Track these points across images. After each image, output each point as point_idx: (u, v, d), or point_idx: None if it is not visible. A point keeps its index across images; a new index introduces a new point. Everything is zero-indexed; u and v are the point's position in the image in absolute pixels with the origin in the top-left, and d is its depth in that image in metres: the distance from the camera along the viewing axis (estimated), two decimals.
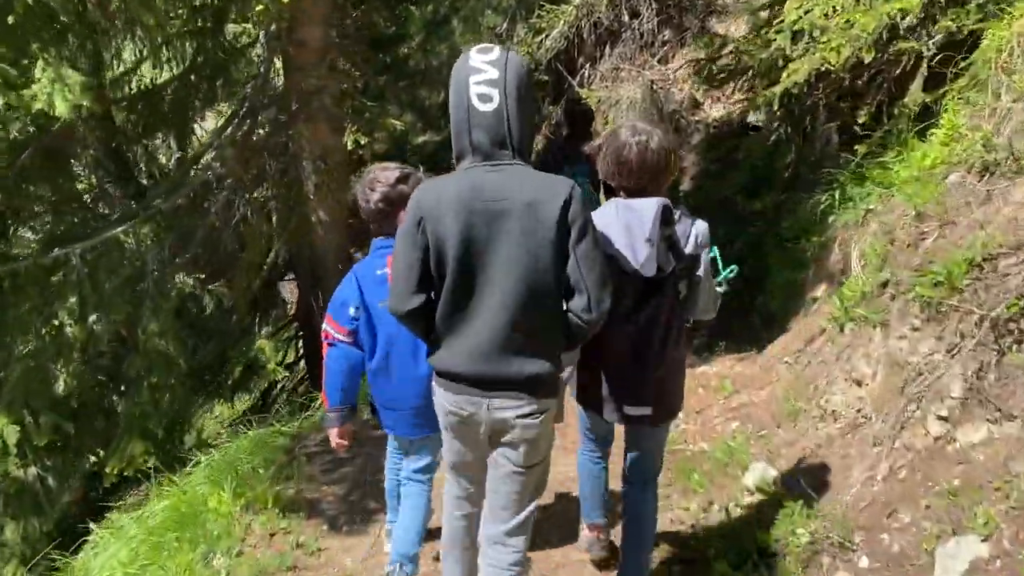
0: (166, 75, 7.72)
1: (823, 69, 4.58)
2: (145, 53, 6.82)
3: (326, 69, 6.51)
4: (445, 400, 2.43)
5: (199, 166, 5.99)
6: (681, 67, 13.08)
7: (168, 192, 5.53)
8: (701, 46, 12.72)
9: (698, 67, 12.44)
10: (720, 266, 2.94)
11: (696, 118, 12.88)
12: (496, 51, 2.24)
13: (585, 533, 3.33)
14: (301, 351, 8.00)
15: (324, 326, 3.07)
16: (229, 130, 6.09)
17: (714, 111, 12.76)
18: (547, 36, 14.13)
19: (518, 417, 2.33)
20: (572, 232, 2.23)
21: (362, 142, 13.44)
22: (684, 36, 13.43)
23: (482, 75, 2.18)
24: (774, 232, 7.04)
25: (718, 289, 2.79)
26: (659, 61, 13.57)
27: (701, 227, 2.63)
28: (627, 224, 2.50)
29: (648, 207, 2.48)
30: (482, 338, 2.28)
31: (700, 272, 2.62)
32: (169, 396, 5.14)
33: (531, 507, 2.52)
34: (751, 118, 11.80)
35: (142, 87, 7.73)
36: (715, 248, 2.81)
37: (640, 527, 2.89)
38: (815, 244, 5.10)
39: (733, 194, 9.67)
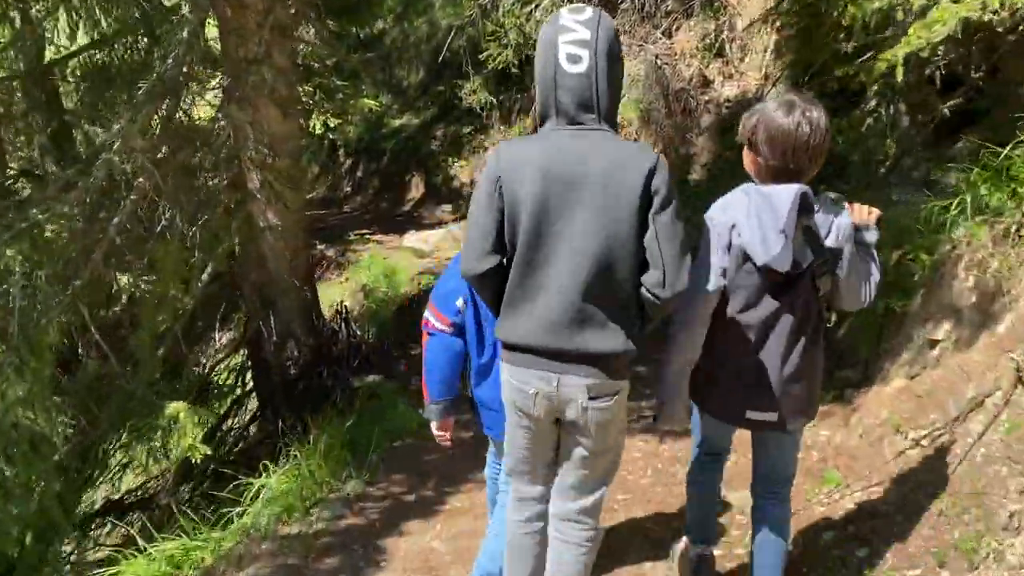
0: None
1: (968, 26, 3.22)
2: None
3: (271, 33, 5.06)
4: (512, 376, 2.26)
5: (102, 161, 4.51)
6: (689, 40, 11.71)
7: (52, 198, 4.08)
8: (710, 15, 11.36)
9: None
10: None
11: (706, 97, 11.48)
12: (588, 11, 2.08)
13: (685, 550, 2.90)
14: (249, 385, 6.62)
15: (425, 315, 2.74)
16: (144, 114, 4.62)
17: (726, 89, 11.37)
18: (537, 7, 12.67)
19: (590, 398, 2.18)
20: (654, 202, 2.08)
21: (331, 124, 12.05)
22: (691, 5, 12.04)
23: (573, 34, 2.03)
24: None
25: (874, 279, 2.43)
26: (663, 33, 12.21)
27: (846, 218, 2.32)
28: (759, 212, 2.25)
29: (785, 195, 2.21)
30: (553, 308, 2.14)
31: (843, 268, 2.31)
32: (39, 492, 3.70)
33: (603, 489, 2.43)
34: (770, 97, 10.43)
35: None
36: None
37: (770, 548, 2.56)
38: (925, 264, 3.79)
39: None
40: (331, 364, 5.88)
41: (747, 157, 2.40)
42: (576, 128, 2.12)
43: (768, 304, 2.32)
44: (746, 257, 2.30)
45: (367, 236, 13.06)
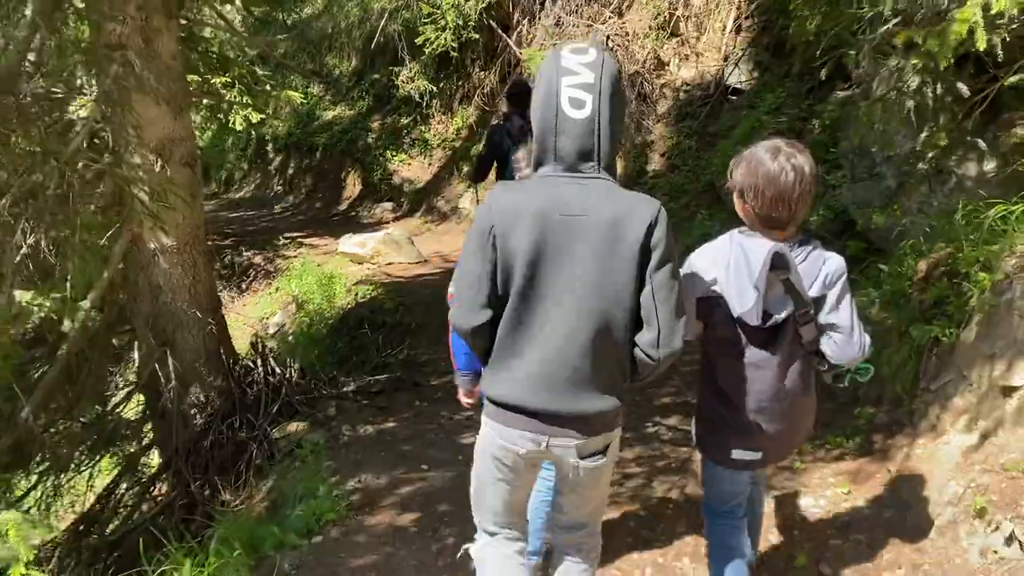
0: None
1: None
2: None
3: (139, 12, 4.02)
4: (497, 433, 2.12)
5: None
6: (641, 19, 10.85)
7: None
8: None
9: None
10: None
11: (662, 81, 10.65)
12: (592, 52, 1.97)
13: None
14: (151, 436, 5.53)
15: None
16: None
17: (683, 71, 10.55)
18: None
19: (581, 457, 2.09)
20: (652, 258, 1.96)
21: (253, 119, 10.92)
22: None
23: (576, 78, 1.93)
24: (862, 247, 4.93)
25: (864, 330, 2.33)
26: (614, 12, 11.33)
27: (833, 264, 2.25)
28: (737, 266, 2.24)
29: (760, 252, 2.20)
30: (546, 367, 2.01)
31: (827, 314, 2.26)
32: None
33: (599, 519, 2.39)
34: (732, 79, 9.66)
35: None
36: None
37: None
38: (982, 283, 2.97)
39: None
40: (245, 411, 4.88)
41: (736, 203, 2.34)
42: (574, 176, 2.01)
43: (751, 352, 2.34)
44: (727, 307, 2.31)
45: (299, 240, 11.98)
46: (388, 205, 13.47)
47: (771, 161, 2.19)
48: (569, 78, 1.94)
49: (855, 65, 7.52)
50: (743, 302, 2.25)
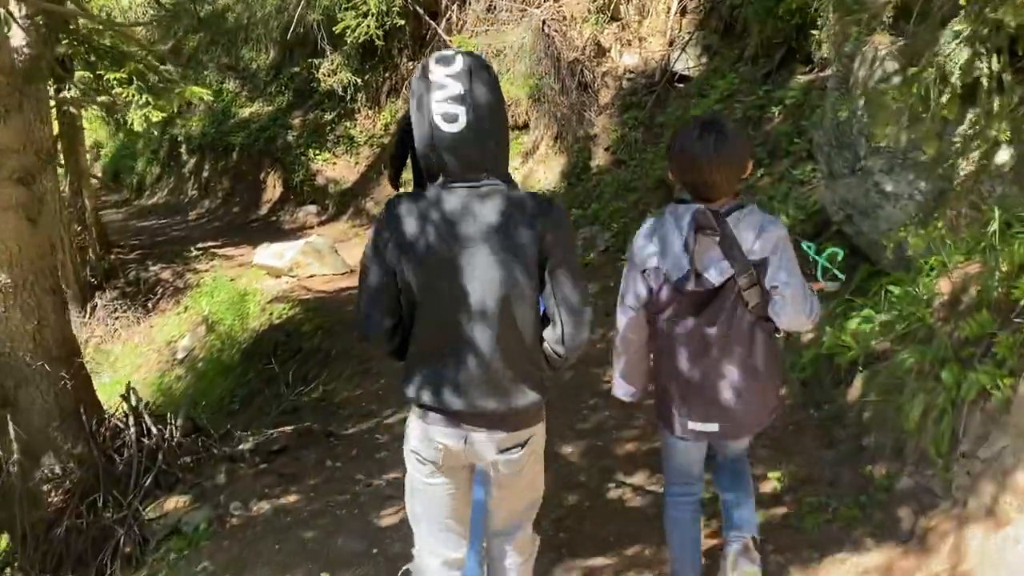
0: None
1: None
2: None
3: None
4: (420, 431, 2.12)
5: None
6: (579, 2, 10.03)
7: None
8: None
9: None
10: (818, 263, 2.57)
11: (603, 69, 9.86)
12: (459, 61, 1.90)
13: None
14: None
15: None
16: None
17: (626, 58, 9.78)
18: None
19: (499, 452, 2.10)
20: (549, 256, 1.98)
21: (154, 118, 9.79)
22: None
23: (444, 91, 1.88)
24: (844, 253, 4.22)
25: (815, 292, 2.34)
26: None
27: (772, 228, 2.26)
28: (670, 234, 2.30)
29: (685, 215, 2.26)
30: (458, 369, 2.02)
31: (772, 278, 2.22)
32: None
33: (530, 522, 2.40)
34: (679, 65, 8.92)
35: None
36: (810, 245, 2.63)
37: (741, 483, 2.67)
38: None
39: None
40: (112, 484, 3.92)
41: (670, 173, 2.43)
42: (463, 184, 1.97)
43: (693, 320, 2.36)
44: (666, 276, 2.33)
45: (213, 250, 10.90)
46: (312, 208, 12.46)
47: (691, 132, 2.28)
48: (438, 92, 1.89)
49: (817, 46, 6.85)
50: (678, 267, 2.27)
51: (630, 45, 9.77)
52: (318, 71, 12.12)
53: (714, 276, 2.25)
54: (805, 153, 6.11)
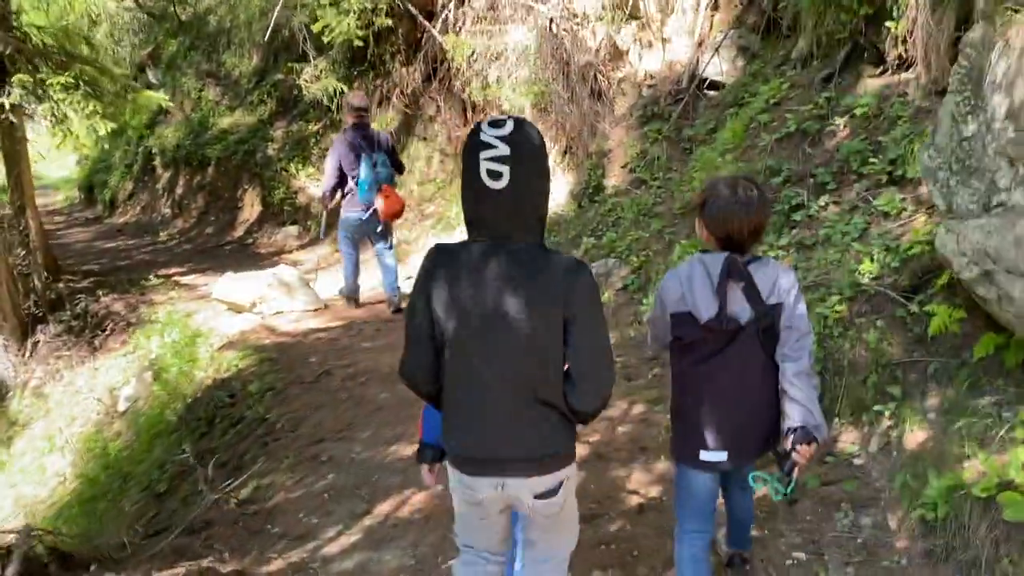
0: None
1: None
2: None
3: None
4: (459, 480, 2.27)
5: None
6: None
7: None
8: None
9: None
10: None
11: (620, 74, 8.55)
12: (509, 125, 2.12)
13: None
14: None
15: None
16: None
17: (646, 62, 8.46)
18: None
19: (535, 497, 2.21)
20: (572, 320, 2.11)
21: (101, 131, 8.52)
22: None
23: (493, 151, 2.08)
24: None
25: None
26: None
27: (786, 277, 2.55)
28: (701, 279, 2.54)
29: (717, 262, 2.52)
30: (488, 421, 2.17)
31: (788, 320, 2.51)
32: None
33: (566, 553, 2.50)
34: (710, 69, 7.59)
35: None
36: (766, 479, 2.58)
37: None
38: None
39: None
40: None
41: (701, 231, 2.63)
42: (500, 240, 2.14)
43: (716, 358, 2.54)
44: (692, 318, 2.53)
45: (176, 278, 9.63)
46: (292, 230, 11.18)
47: (727, 190, 2.53)
48: (486, 152, 2.07)
49: (893, 42, 5.50)
50: (708, 309, 2.50)
51: (651, 47, 8.45)
52: (300, 77, 10.84)
53: (741, 316, 2.49)
54: (885, 177, 4.76)
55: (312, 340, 6.78)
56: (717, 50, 7.57)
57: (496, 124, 2.10)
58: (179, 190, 12.90)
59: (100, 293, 9.23)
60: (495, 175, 2.05)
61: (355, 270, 7.42)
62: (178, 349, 7.35)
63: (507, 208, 2.09)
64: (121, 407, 7.49)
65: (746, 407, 2.58)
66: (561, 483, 2.22)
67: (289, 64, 11.33)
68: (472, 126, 2.20)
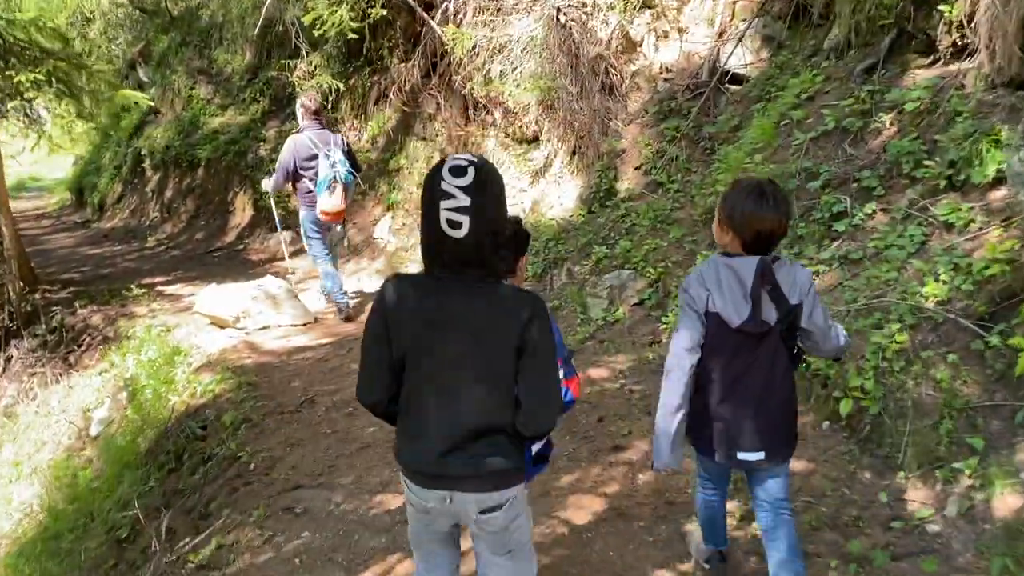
0: None
1: None
2: None
3: None
4: (410, 490, 2.37)
5: None
6: None
7: None
8: None
9: None
10: None
11: (634, 67, 7.93)
12: (470, 173, 2.14)
13: (702, 548, 3.15)
14: None
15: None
16: None
17: (663, 53, 7.84)
18: None
19: (480, 513, 2.28)
20: (526, 351, 2.17)
21: (76, 130, 7.93)
22: None
23: (453, 201, 2.13)
24: None
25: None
26: None
27: (804, 275, 2.62)
28: (729, 283, 2.58)
29: (748, 266, 2.56)
30: (438, 440, 2.24)
31: (808, 319, 2.59)
32: None
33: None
34: (733, 61, 6.97)
35: None
36: None
37: (785, 544, 2.75)
38: None
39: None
40: None
41: (724, 235, 2.62)
42: (458, 278, 2.19)
43: (744, 358, 2.61)
44: (721, 321, 2.57)
45: (160, 288, 9.06)
46: (285, 236, 10.53)
47: (749, 192, 2.55)
48: (446, 202, 2.10)
49: (947, 27, 4.86)
50: (739, 313, 2.55)
51: (667, 37, 7.82)
52: (292, 73, 10.24)
53: (771, 318, 2.56)
54: (943, 182, 4.13)
55: (297, 360, 6.19)
56: (740, 40, 6.95)
57: (457, 172, 2.12)
58: (168, 193, 12.32)
59: (77, 305, 8.65)
60: (455, 225, 2.10)
61: (335, 268, 7.27)
62: (155, 368, 6.76)
63: (466, 253, 2.13)
64: (93, 431, 6.91)
65: (777, 405, 2.66)
66: (508, 500, 2.28)
67: (282, 60, 10.74)
68: (433, 167, 2.19)
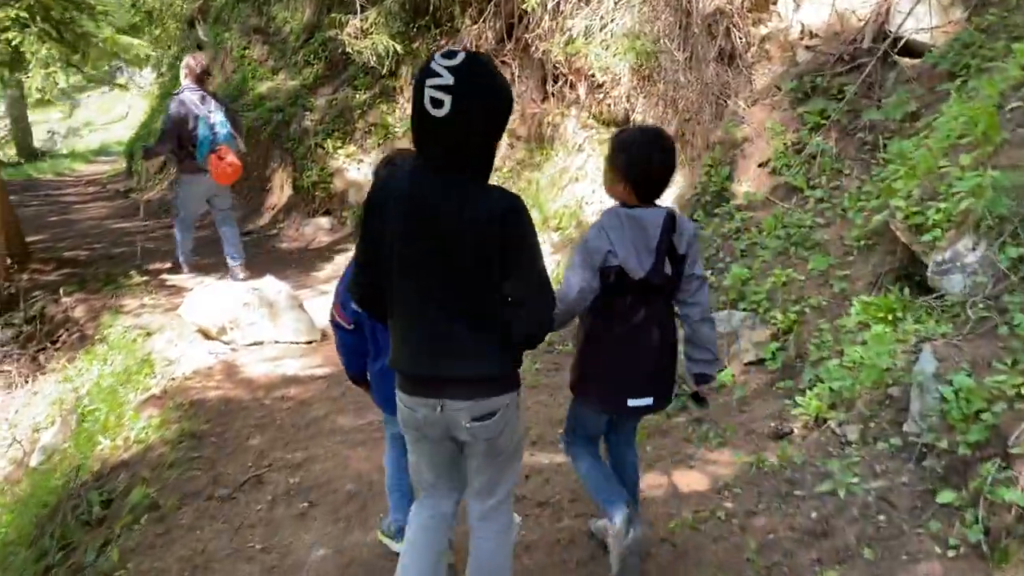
0: None
1: None
2: None
3: None
4: (402, 401, 2.36)
5: None
6: None
7: None
8: None
9: None
10: None
11: (765, 30, 5.96)
12: (460, 56, 2.09)
13: (612, 522, 2.88)
14: None
15: (331, 305, 2.92)
16: None
17: (805, 12, 5.85)
18: None
19: (472, 420, 2.26)
20: (510, 250, 2.17)
21: (63, 81, 6.48)
22: None
23: (438, 79, 2.06)
24: None
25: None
26: None
27: (689, 226, 2.65)
28: (633, 235, 2.57)
29: (654, 218, 2.58)
30: (427, 340, 2.24)
31: (689, 270, 2.64)
32: None
33: (508, 487, 2.52)
34: (909, 24, 4.95)
35: None
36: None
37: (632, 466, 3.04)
38: None
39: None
40: None
41: (617, 185, 2.60)
42: (440, 170, 2.15)
43: (642, 310, 2.62)
44: (622, 272, 2.55)
45: (163, 277, 7.65)
46: (324, 222, 9.06)
47: (646, 137, 2.59)
48: (432, 79, 2.04)
49: None
50: (642, 265, 2.55)
51: None
52: (343, 30, 8.64)
53: (668, 270, 2.59)
54: None
55: (274, 401, 4.57)
56: None
57: (448, 55, 2.09)
58: None
59: (63, 292, 7.28)
60: (437, 103, 2.03)
61: (191, 237, 7.45)
62: (111, 389, 5.25)
63: (447, 139, 2.09)
64: (34, 460, 5.45)
65: (666, 353, 2.71)
66: (499, 408, 2.26)
67: (333, 16, 9.15)
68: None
